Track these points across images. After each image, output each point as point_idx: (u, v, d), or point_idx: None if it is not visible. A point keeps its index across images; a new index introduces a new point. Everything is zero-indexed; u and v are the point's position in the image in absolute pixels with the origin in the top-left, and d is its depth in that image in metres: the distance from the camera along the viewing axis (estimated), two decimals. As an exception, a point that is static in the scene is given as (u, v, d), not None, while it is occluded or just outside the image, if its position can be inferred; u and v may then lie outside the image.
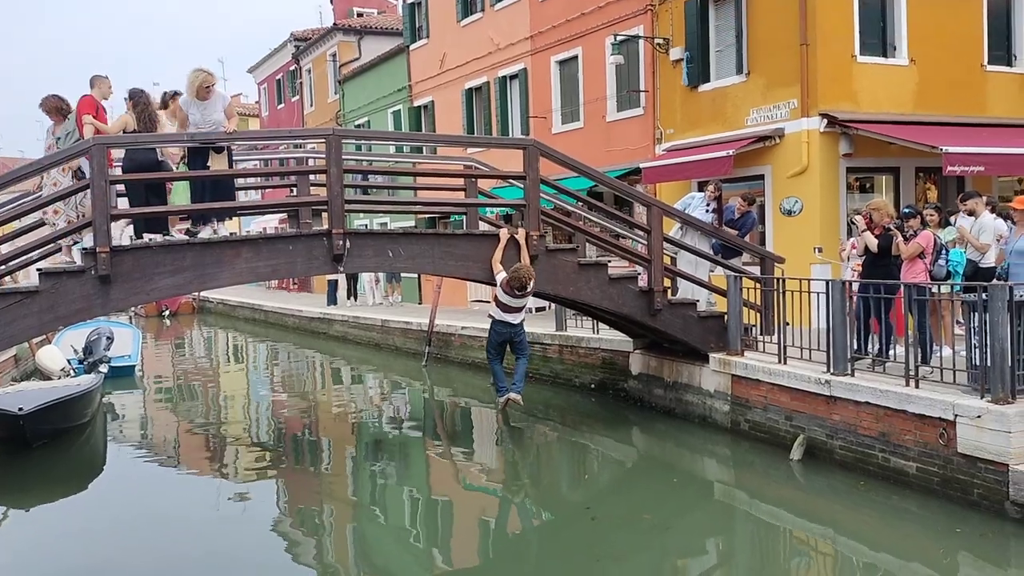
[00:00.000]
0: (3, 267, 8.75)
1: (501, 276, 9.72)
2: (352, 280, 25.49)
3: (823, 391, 8.37)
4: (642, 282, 10.43)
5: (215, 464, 10.72)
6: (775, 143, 14.00)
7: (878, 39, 13.88)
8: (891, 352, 8.60)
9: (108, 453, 11.59)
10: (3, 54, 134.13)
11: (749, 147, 13.99)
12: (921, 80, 13.99)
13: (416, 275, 22.34)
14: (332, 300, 25.29)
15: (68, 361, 15.35)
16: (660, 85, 16.41)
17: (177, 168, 9.15)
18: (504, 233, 9.73)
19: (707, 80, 15.36)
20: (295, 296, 32.45)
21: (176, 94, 9.47)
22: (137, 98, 8.81)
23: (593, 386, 12.95)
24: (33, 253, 9.05)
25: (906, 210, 9.53)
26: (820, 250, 11.38)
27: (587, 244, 11.21)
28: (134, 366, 17.83)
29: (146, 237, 8.62)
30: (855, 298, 8.83)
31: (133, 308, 29.68)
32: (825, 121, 13.37)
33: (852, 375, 8.29)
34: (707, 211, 11.19)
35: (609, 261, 10.77)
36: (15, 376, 15.93)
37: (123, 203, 9.36)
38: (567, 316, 13.97)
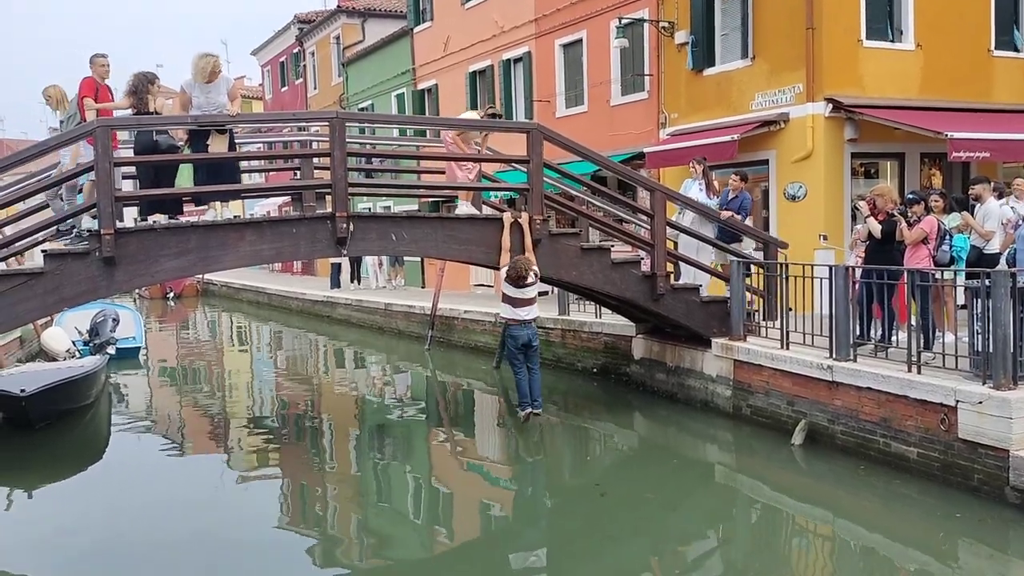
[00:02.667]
0: (7, 249, 8.78)
1: (503, 270, 9.68)
2: (356, 263, 25.52)
3: (825, 376, 8.38)
4: (645, 267, 10.44)
5: (218, 446, 10.78)
6: (780, 128, 13.95)
7: (884, 24, 13.79)
8: (894, 338, 8.61)
9: (111, 435, 11.65)
10: (6, 37, 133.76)
11: (754, 132, 13.95)
12: (927, 65, 13.91)
13: (419, 258, 22.33)
14: (335, 283, 25.33)
15: (73, 343, 15.40)
16: (665, 69, 16.33)
17: (182, 151, 9.15)
18: (507, 217, 9.72)
19: (712, 64, 15.29)
20: (299, 279, 32.50)
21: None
22: (135, 84, 8.76)
23: (595, 370, 12.98)
24: (39, 234, 9.08)
25: (910, 196, 9.51)
26: (825, 237, 11.37)
27: (590, 228, 11.22)
28: (139, 348, 17.90)
29: (150, 219, 8.63)
30: (858, 284, 8.82)
31: (138, 290, 29.73)
32: (830, 106, 13.31)
33: (854, 360, 8.30)
34: (701, 190, 11.14)
35: (612, 246, 10.77)
36: (20, 357, 15.97)
37: (126, 185, 9.39)
38: (570, 300, 13.99)
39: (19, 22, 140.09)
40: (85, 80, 8.84)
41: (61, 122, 9.07)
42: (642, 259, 10.65)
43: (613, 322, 12.53)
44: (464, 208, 10.25)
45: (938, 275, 8.43)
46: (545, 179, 9.99)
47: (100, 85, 8.90)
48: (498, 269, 9.96)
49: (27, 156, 8.77)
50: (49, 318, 15.31)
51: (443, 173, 12.28)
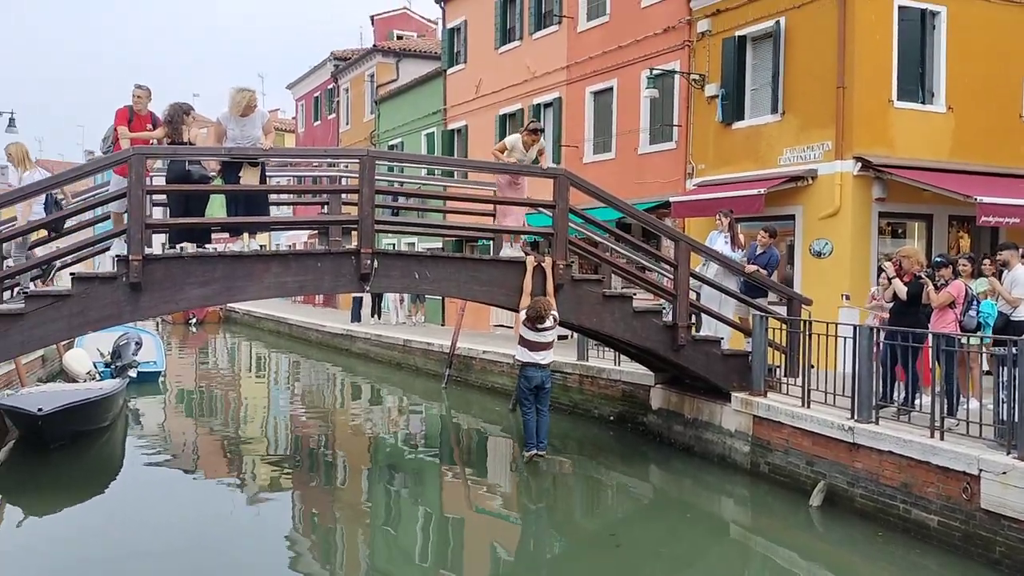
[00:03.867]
0: (37, 269, 8.91)
1: (522, 314, 9.70)
2: (376, 298, 25.61)
3: (846, 437, 8.25)
4: (666, 317, 10.39)
5: (231, 474, 10.76)
6: (807, 184, 13.94)
7: (916, 85, 13.82)
8: (917, 402, 8.48)
9: (126, 458, 11.67)
10: (46, 64, 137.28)
11: (781, 187, 13.94)
12: (958, 128, 13.89)
13: (440, 297, 22.39)
14: (356, 317, 25.43)
15: (94, 364, 15.53)
16: (694, 120, 16.43)
17: (214, 182, 9.29)
18: (531, 261, 9.74)
19: (741, 118, 15.36)
20: (320, 311, 32.64)
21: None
22: (171, 114, 8.94)
23: (612, 418, 12.87)
24: (68, 257, 9.23)
25: (938, 259, 9.42)
26: (848, 297, 11.28)
27: (612, 275, 11.21)
28: (159, 372, 18.01)
29: (179, 247, 8.73)
30: (881, 344, 8.72)
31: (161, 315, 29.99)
32: (859, 164, 13.30)
33: (876, 423, 8.17)
34: (726, 242, 11.12)
35: (634, 294, 10.74)
36: (41, 376, 16.13)
37: (156, 212, 9.53)
38: (588, 346, 13.93)
39: (57, 52, 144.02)
40: (120, 110, 9.07)
41: (104, 151, 9.28)
42: (664, 309, 10.61)
43: (632, 370, 12.45)
44: (508, 251, 10.30)
45: (964, 340, 8.32)
46: (570, 224, 10.02)
47: (136, 114, 9.09)
48: (518, 311, 9.96)
49: (66, 178, 8.96)
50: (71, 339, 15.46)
51: (469, 214, 12.39)
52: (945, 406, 7.85)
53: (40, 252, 9.70)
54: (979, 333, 8.74)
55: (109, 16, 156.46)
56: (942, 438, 7.45)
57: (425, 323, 24.55)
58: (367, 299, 25.26)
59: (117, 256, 8.39)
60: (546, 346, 10.02)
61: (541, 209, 10.46)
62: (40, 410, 10.30)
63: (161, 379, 18.10)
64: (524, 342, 10.01)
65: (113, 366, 15.46)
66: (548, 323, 9.75)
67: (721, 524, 8.94)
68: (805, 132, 14.08)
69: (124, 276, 8.10)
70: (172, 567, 7.13)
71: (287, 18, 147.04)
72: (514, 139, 10.54)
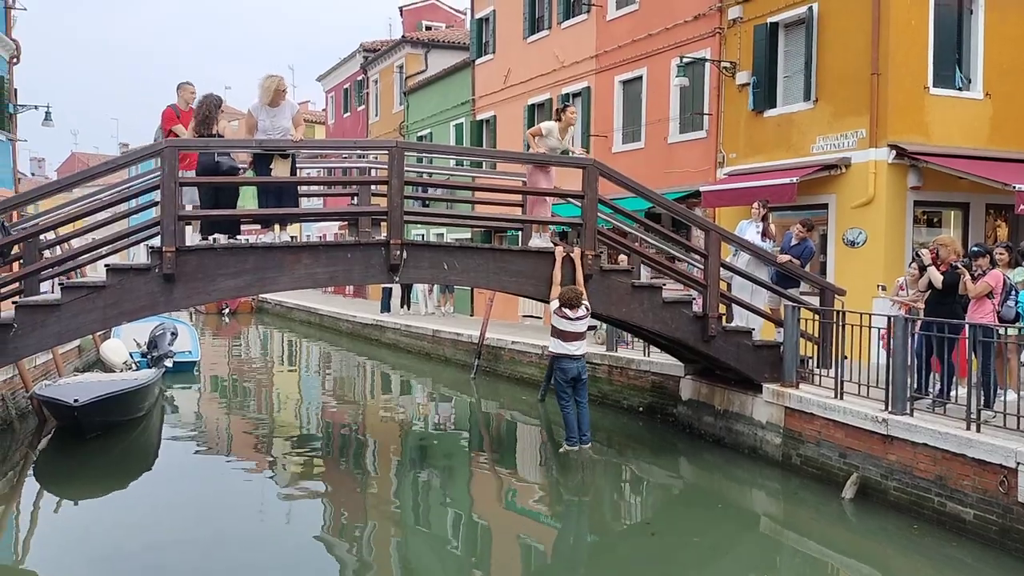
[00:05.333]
0: (73, 261, 9.06)
1: (554, 304, 9.69)
2: (406, 289, 25.73)
3: (880, 429, 8.15)
4: (696, 307, 10.32)
5: (264, 464, 10.88)
6: (841, 172, 13.74)
7: (952, 72, 13.55)
8: (952, 393, 8.35)
9: (161, 447, 11.86)
10: (81, 57, 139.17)
11: (813, 175, 13.77)
12: (996, 114, 13.61)
13: (469, 287, 22.44)
14: (386, 307, 25.56)
15: (131, 355, 15.76)
16: (724, 109, 16.26)
17: (245, 174, 9.38)
18: (559, 251, 9.72)
19: (773, 105, 15.17)
20: (350, 301, 32.87)
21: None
22: (207, 110, 9.02)
23: (641, 409, 12.83)
24: (102, 248, 9.36)
25: (975, 248, 9.25)
26: (884, 288, 11.13)
27: (642, 266, 11.14)
28: (195, 362, 18.25)
29: (211, 239, 8.83)
30: (916, 335, 8.59)
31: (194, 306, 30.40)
32: (894, 152, 13.08)
33: (911, 415, 8.05)
34: (758, 232, 11.02)
35: (664, 284, 10.68)
36: (78, 366, 16.41)
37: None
38: (618, 337, 13.88)
39: (88, 45, 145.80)
40: (166, 110, 9.29)
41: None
42: (694, 299, 10.53)
43: (662, 361, 12.39)
44: (537, 241, 10.31)
45: (1002, 331, 8.17)
46: (599, 214, 9.98)
47: (181, 111, 9.26)
48: (547, 302, 9.95)
49: (101, 171, 9.09)
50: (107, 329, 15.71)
51: (497, 205, 12.37)
52: (982, 398, 7.72)
53: (76, 243, 9.85)
54: (1017, 324, 8.57)
55: (146, 11, 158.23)
56: (978, 430, 7.33)
57: (454, 313, 24.63)
58: (396, 289, 25.38)
59: (151, 247, 8.50)
60: (579, 336, 10.01)
61: (570, 199, 10.43)
62: (76, 401, 10.48)
63: (196, 369, 18.35)
64: (557, 332, 10.00)
65: (149, 356, 15.70)
66: (581, 311, 9.73)
67: (753, 516, 8.89)
68: (838, 120, 13.87)
69: (158, 267, 8.21)
70: (205, 556, 7.24)
71: (316, 11, 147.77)
72: (550, 125, 10.53)
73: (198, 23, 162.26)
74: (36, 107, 23.13)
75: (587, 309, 9.78)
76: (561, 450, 10.42)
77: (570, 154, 10.71)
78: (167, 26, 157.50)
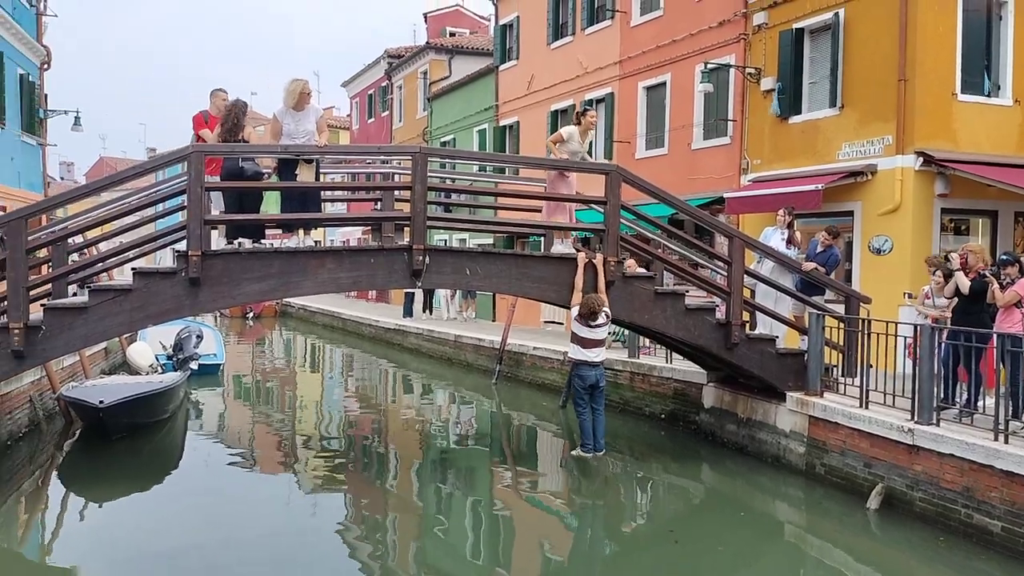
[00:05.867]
0: (101, 264, 9.18)
1: (574, 309, 9.69)
2: (428, 294, 25.81)
3: (905, 439, 8.05)
4: (719, 314, 10.26)
5: (287, 466, 10.95)
6: (867, 179, 13.62)
7: (981, 78, 13.39)
8: (980, 404, 8.23)
9: (185, 449, 11.95)
10: (110, 59, 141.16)
11: (839, 182, 13.65)
12: (1026, 121, 13.44)
13: (491, 293, 22.45)
14: (408, 312, 25.66)
15: (156, 357, 15.92)
16: (749, 115, 16.18)
17: (270, 178, 9.46)
18: (582, 258, 9.71)
19: (798, 112, 15.07)
20: (373, 306, 33.02)
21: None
22: (235, 116, 9.09)
23: (663, 416, 12.76)
24: (130, 252, 9.48)
25: (1004, 256, 9.13)
26: (910, 296, 11.00)
27: (664, 272, 11.10)
28: (220, 365, 18.41)
29: (236, 243, 8.91)
30: (943, 345, 8.49)
31: (219, 309, 30.69)
32: (921, 159, 12.94)
33: (937, 425, 7.95)
34: (783, 239, 10.94)
35: (687, 291, 10.63)
36: (104, 368, 16.62)
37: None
38: (640, 343, 13.82)
39: (116, 50, 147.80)
40: (196, 116, 9.41)
41: None
42: (717, 306, 10.47)
43: (684, 368, 12.32)
44: (559, 247, 10.30)
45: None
46: (621, 220, 9.96)
47: (211, 117, 9.37)
48: (569, 308, 9.95)
49: (125, 177, 9.20)
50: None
51: (520, 210, 12.38)
52: (1010, 408, 7.61)
53: (104, 247, 9.98)
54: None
55: (174, 20, 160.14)
56: (1007, 441, 7.23)
57: (476, 319, 24.66)
58: (419, 294, 25.48)
59: (177, 251, 8.59)
60: (599, 343, 10.00)
61: (593, 205, 10.41)
62: (101, 403, 10.61)
63: (220, 372, 18.50)
64: (577, 339, 9.99)
65: (175, 359, 15.84)
66: (601, 319, 9.71)
67: (776, 525, 8.80)
68: (864, 126, 13.75)
69: (184, 271, 8.29)
70: (227, 558, 7.29)
71: (344, 12, 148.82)
72: (570, 130, 10.55)
73: (223, 32, 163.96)
74: (66, 112, 23.47)
75: (607, 316, 9.76)
76: (573, 452, 10.49)
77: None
78: (167, 26, 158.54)
